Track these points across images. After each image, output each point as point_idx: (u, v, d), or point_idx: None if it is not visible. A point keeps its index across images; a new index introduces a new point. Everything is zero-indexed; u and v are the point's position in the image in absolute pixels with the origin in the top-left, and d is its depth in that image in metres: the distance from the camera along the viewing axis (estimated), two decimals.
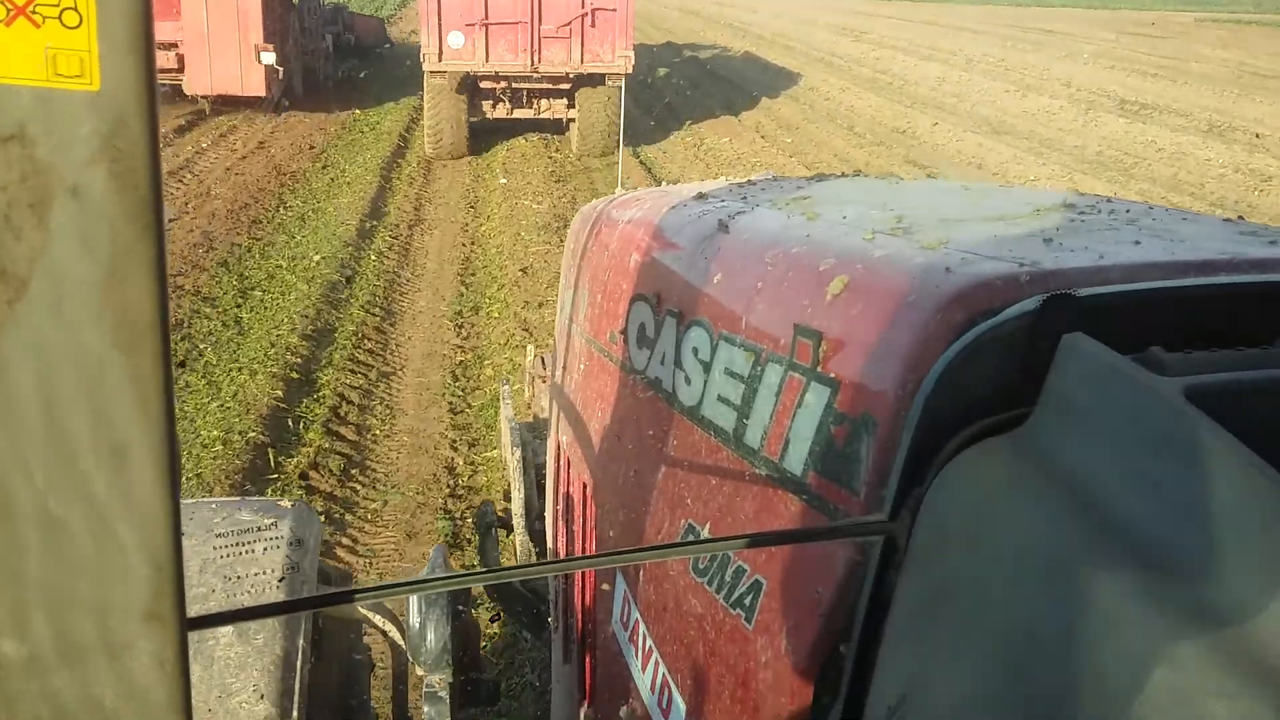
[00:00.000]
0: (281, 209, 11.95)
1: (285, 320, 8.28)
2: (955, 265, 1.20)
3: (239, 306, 8.62)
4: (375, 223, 11.61)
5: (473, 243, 11.34)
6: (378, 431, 6.86)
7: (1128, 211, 1.60)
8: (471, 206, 12.83)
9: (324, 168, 14.18)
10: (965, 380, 1.08)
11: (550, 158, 15.39)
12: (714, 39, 32.98)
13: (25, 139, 0.68)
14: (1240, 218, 1.68)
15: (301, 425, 6.65)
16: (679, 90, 22.13)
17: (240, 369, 7.36)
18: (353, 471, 6.28)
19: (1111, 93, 22.36)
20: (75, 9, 0.67)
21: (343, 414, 6.95)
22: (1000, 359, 1.08)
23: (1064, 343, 1.01)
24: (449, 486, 6.16)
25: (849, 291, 1.28)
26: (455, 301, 9.32)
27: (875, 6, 58.47)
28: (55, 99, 0.68)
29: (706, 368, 1.53)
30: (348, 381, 7.42)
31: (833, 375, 1.24)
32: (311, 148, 15.38)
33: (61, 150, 0.68)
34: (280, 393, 6.98)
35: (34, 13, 0.67)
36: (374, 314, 8.79)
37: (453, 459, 6.49)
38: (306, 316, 8.35)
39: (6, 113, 0.68)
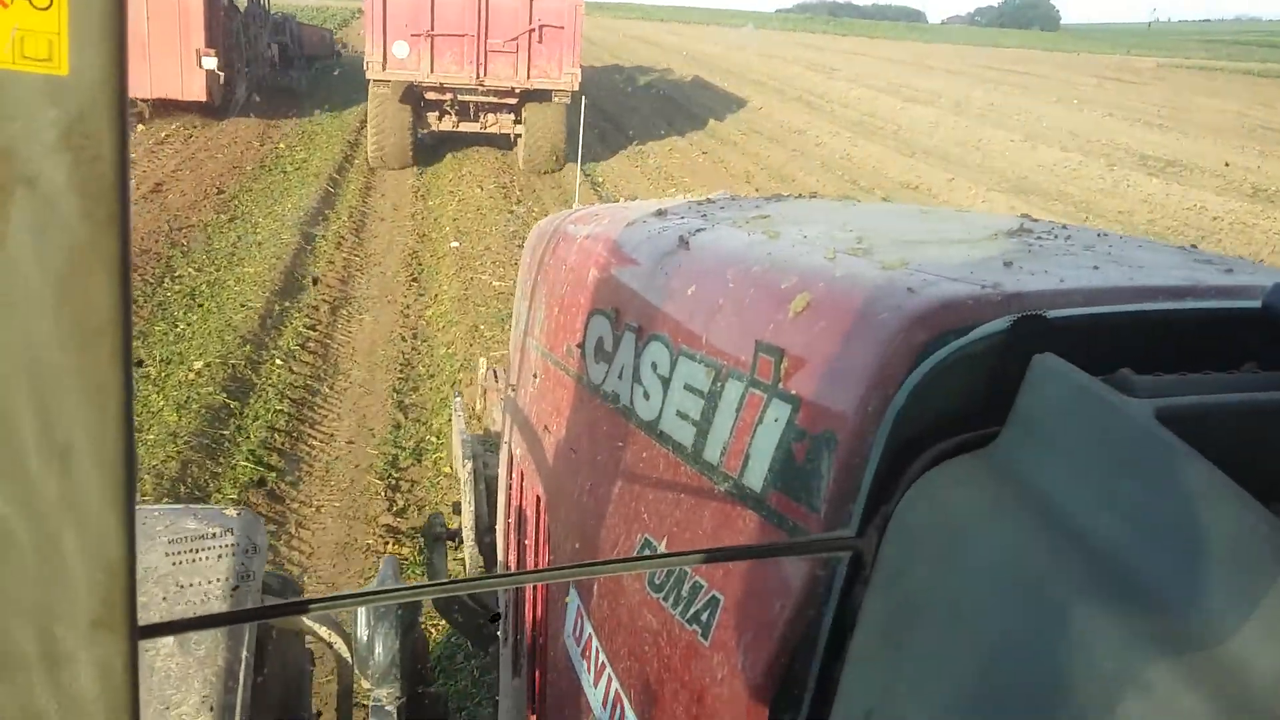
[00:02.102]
0: (168, 280, 9.20)
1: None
2: (917, 285, 1.19)
3: None
4: (287, 303, 8.91)
5: (414, 336, 8.68)
6: None
7: (1082, 239, 1.60)
8: (414, 279, 10.18)
9: (231, 220, 11.45)
10: (933, 398, 1.07)
11: (512, 211, 12.81)
12: (671, 67, 30.77)
13: None
14: (1194, 246, 1.66)
15: None
16: (647, 123, 19.73)
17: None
18: None
19: (1124, 145, 20.45)
20: None
21: None
22: (968, 378, 1.07)
23: (1034, 363, 1.00)
24: None
25: (811, 309, 1.27)
26: (388, 439, 6.65)
27: (829, 41, 57.10)
28: (19, 82, 0.66)
29: (665, 383, 1.52)
30: None
31: (794, 393, 1.23)
32: (219, 192, 12.62)
33: (24, 136, 0.66)
34: None
35: None
36: (268, 464, 6.10)
37: None
38: (164, 474, 5.65)
39: None
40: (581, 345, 1.85)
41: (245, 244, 10.58)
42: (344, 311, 9.13)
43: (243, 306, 8.62)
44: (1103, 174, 17.55)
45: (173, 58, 15.45)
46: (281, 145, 15.97)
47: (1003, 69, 38.56)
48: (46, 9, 0.65)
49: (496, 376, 3.77)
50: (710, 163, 17.05)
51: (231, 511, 2.54)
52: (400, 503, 5.85)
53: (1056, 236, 1.60)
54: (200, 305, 8.63)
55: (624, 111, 21.99)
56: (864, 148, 18.61)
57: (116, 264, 0.68)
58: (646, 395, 1.57)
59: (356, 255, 10.86)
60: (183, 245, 10.28)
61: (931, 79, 31.60)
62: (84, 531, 0.70)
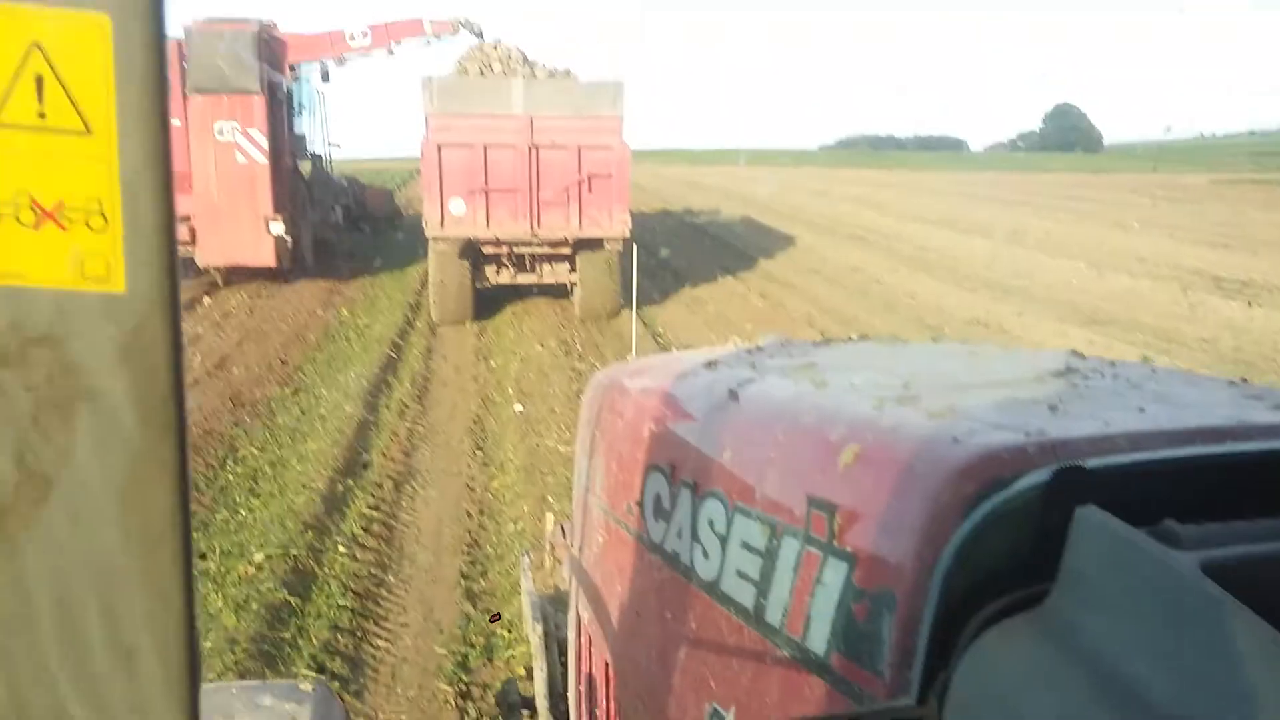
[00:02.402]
0: (230, 462, 9.05)
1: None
2: (962, 435, 1.19)
3: None
4: (350, 482, 8.68)
5: (481, 512, 8.35)
6: None
7: (1131, 376, 1.60)
8: (479, 447, 9.92)
9: (295, 393, 11.39)
10: (981, 554, 1.07)
11: (574, 369, 12.64)
12: (720, 208, 31.15)
13: (53, 340, 0.70)
14: (1244, 380, 1.62)
15: None
16: (701, 267, 19.72)
17: None
18: None
19: (1193, 267, 19.93)
20: (101, 213, 0.70)
21: None
22: (1014, 532, 1.07)
23: (1077, 517, 0.99)
24: None
25: (860, 462, 1.27)
26: (456, 635, 6.24)
27: (874, 175, 57.92)
28: (82, 301, 0.70)
29: (724, 541, 1.50)
30: None
31: (849, 549, 1.22)
32: (283, 363, 12.65)
33: (87, 351, 0.70)
34: None
35: (62, 217, 0.70)
36: (331, 670, 5.70)
37: None
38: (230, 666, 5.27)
39: (35, 315, 0.70)
40: (640, 503, 1.84)
41: (309, 418, 10.47)
42: (408, 488, 8.86)
43: (304, 488, 8.39)
44: (1177, 299, 17.02)
45: (242, 225, 15.94)
46: (345, 311, 16.13)
47: (1054, 195, 38.53)
48: (102, 231, 0.70)
49: (565, 532, 3.71)
50: (769, 306, 16.87)
51: (307, 686, 2.54)
52: (473, 713, 5.39)
53: (1104, 375, 1.59)
54: (262, 490, 8.42)
55: (677, 255, 22.10)
56: (925, 284, 18.34)
57: (175, 470, 0.72)
58: (706, 554, 1.55)
59: (420, 424, 10.67)
60: (246, 423, 10.18)
61: (983, 209, 31.57)
62: None
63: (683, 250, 23.45)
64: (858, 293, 17.76)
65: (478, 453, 9.74)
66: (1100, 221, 27.95)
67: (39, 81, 0.69)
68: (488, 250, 15.08)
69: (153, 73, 0.71)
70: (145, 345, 0.69)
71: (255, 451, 9.40)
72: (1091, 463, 1.08)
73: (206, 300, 16.44)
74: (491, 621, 6.74)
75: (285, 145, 17.27)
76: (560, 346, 13.64)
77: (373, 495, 8.48)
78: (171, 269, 0.71)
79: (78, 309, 0.69)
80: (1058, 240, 23.98)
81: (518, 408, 11.03)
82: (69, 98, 0.70)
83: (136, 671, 0.71)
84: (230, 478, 8.67)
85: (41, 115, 0.69)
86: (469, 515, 8.26)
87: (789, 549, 1.32)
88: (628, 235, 14.27)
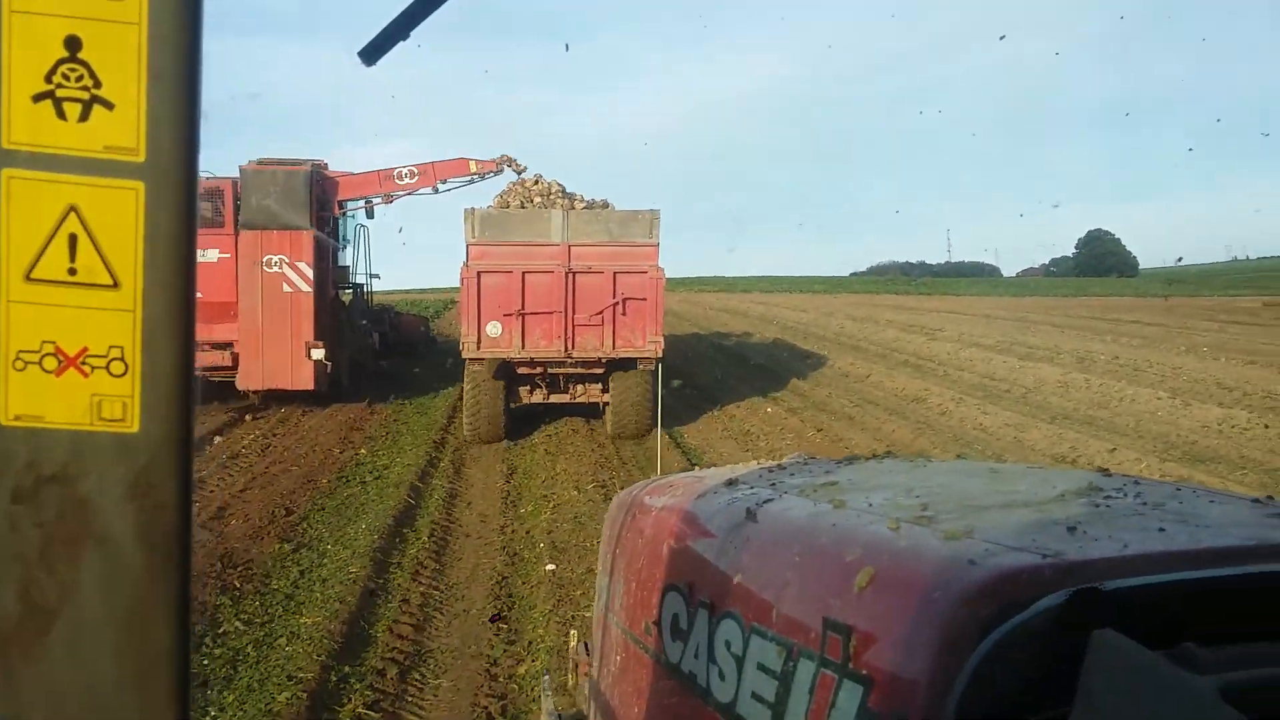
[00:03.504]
0: (210, 640, 7.54)
1: None
2: (978, 557, 1.18)
3: None
4: (347, 669, 7.13)
5: (504, 711, 6.73)
6: None
7: (1153, 495, 1.58)
8: (503, 618, 8.35)
9: (296, 549, 9.94)
10: (997, 677, 1.05)
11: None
12: (764, 335, 29.91)
13: (66, 479, 0.73)
14: (1270, 498, 1.59)
15: None
16: (746, 394, 18.28)
17: None
18: None
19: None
20: (122, 359, 0.74)
21: None
22: (1030, 655, 1.06)
23: (1094, 640, 0.99)
24: None
25: (875, 584, 1.26)
26: None
27: (913, 301, 56.84)
28: (95, 441, 0.73)
29: (739, 662, 1.49)
30: None
31: (864, 672, 1.20)
32: (288, 513, 11.23)
33: (97, 489, 0.73)
34: None
35: (84, 363, 0.74)
36: None
37: None
38: None
39: (51, 455, 0.73)
40: (658, 622, 1.83)
41: (307, 582, 8.99)
42: (416, 675, 7.28)
43: (289, 680, 6.83)
44: (1270, 428, 15.29)
45: (285, 350, 16.39)
46: (363, 451, 14.81)
47: (1108, 319, 37.00)
48: (122, 375, 0.74)
49: (588, 649, 3.59)
50: (826, 440, 15.34)
51: None
52: None
53: (1127, 494, 1.58)
54: (240, 680, 6.88)
55: (719, 385, 20.74)
56: (995, 415, 16.76)
57: (176, 606, 0.74)
58: (722, 675, 1.54)
59: (435, 588, 9.14)
60: (234, 589, 8.71)
61: (1039, 334, 30.09)
62: None
63: (727, 378, 22.10)
64: (923, 425, 16.20)
65: (502, 628, 8.16)
66: (1167, 347, 26.31)
67: (72, 241, 0.75)
68: (522, 371, 15.31)
69: (181, 232, 0.76)
70: (154, 482, 0.73)
71: (240, 626, 7.90)
72: (1108, 585, 1.07)
73: (217, 440, 15.21)
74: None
75: (330, 276, 18.05)
76: (598, 490, 12.13)
77: (373, 688, 6.91)
78: (187, 409, 0.75)
79: (91, 448, 0.73)
80: (1129, 366, 22.38)
81: (550, 567, 9.48)
82: (99, 254, 0.75)
83: None
84: (206, 663, 7.15)
85: (72, 271, 0.75)
86: (488, 716, 6.65)
87: (805, 671, 1.30)
88: (660, 355, 14.63)
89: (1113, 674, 0.94)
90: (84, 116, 0.75)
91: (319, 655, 7.24)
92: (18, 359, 0.74)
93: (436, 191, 18.18)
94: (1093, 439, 14.69)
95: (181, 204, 0.76)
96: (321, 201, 17.24)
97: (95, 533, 0.72)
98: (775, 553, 1.52)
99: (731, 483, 2.03)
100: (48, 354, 0.74)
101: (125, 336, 0.74)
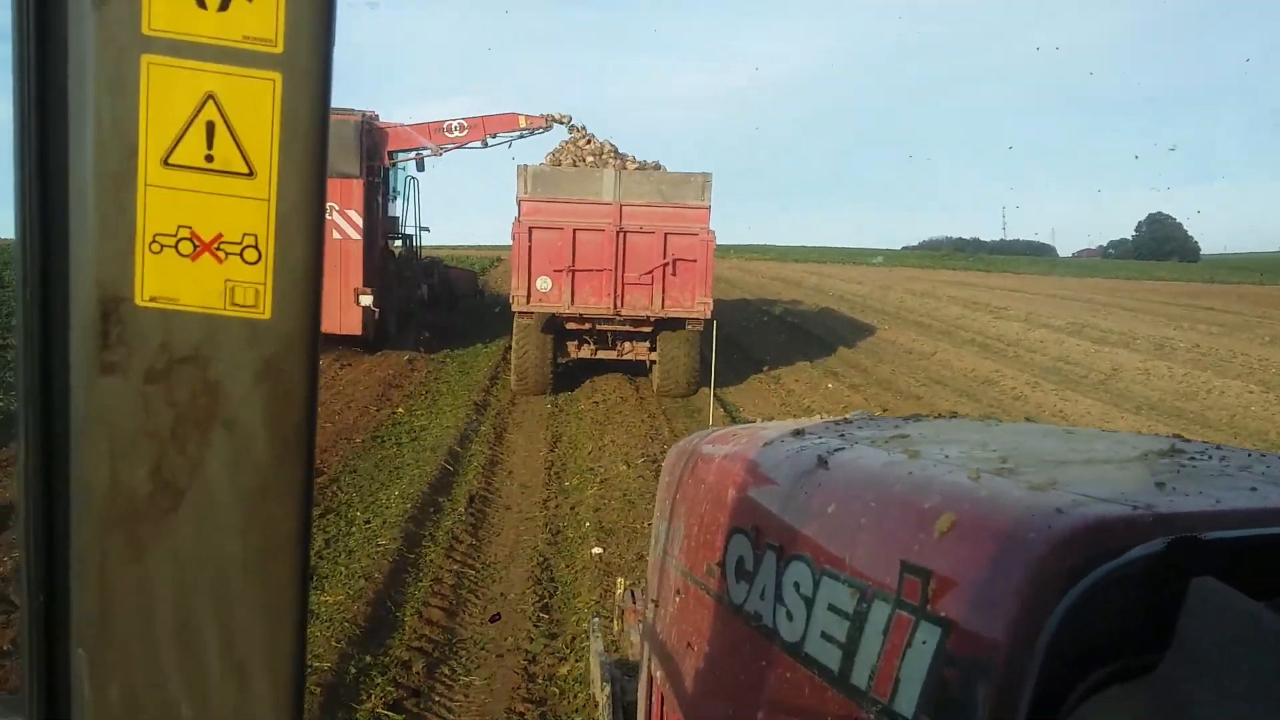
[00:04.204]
0: None
1: None
2: (1066, 506, 1.17)
3: None
4: (368, 658, 6.33)
5: (541, 718, 5.89)
6: None
7: (1238, 460, 1.56)
8: (544, 606, 7.51)
9: (323, 515, 9.17)
10: (1087, 623, 1.04)
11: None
12: (827, 305, 28.76)
13: (199, 360, 0.75)
14: None
15: None
16: (798, 372, 17.26)
17: None
18: None
19: None
20: (256, 246, 0.76)
21: None
22: (1122, 601, 1.05)
23: (1194, 587, 0.97)
24: None
25: (957, 530, 1.25)
26: None
27: (974, 278, 55.15)
28: (228, 326, 0.75)
29: (809, 603, 1.49)
30: None
31: (943, 615, 1.19)
32: (318, 474, 10.43)
33: (229, 372, 0.75)
34: None
35: (219, 249, 0.76)
36: None
37: None
38: None
39: (184, 337, 0.76)
40: (722, 564, 1.84)
41: (332, 553, 8.21)
42: (445, 670, 6.46)
43: (313, 658, 6.03)
44: None
45: (333, 296, 16.27)
46: (400, 410, 14.05)
47: (1179, 304, 35.34)
48: (255, 263, 0.76)
49: (634, 598, 3.60)
50: None
51: None
52: None
53: (1210, 457, 1.56)
54: None
55: (778, 360, 19.73)
56: (1076, 403, 15.60)
57: (300, 492, 0.77)
58: (790, 616, 1.54)
59: (471, 567, 8.32)
60: None
61: (1110, 317, 28.65)
62: None
63: (784, 350, 21.08)
64: (998, 410, 15.08)
65: (542, 617, 7.31)
66: (1249, 337, 24.80)
67: (210, 128, 0.77)
68: (570, 326, 15.53)
69: (314, 125, 0.78)
70: (283, 371, 0.74)
71: None
72: (1206, 535, 1.05)
73: None
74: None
75: (379, 226, 18.07)
76: (649, 466, 11.23)
77: (396, 683, 6.10)
78: (315, 302, 0.78)
79: (224, 334, 0.75)
80: (1212, 356, 21.01)
81: (596, 550, 8.62)
82: (236, 143, 0.77)
83: (247, 682, 0.73)
84: None
85: (209, 158, 0.77)
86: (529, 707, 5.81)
87: (879, 613, 1.30)
88: (709, 316, 14.60)
89: (1213, 622, 0.92)
90: (223, 6, 0.77)
91: (338, 641, 6.45)
92: (154, 242, 0.76)
93: (486, 145, 18.03)
94: (1185, 434, 13.51)
95: (317, 96, 0.78)
96: (371, 151, 17.20)
97: (225, 416, 0.74)
98: (848, 499, 1.52)
99: (799, 433, 2.03)
100: (183, 238, 0.76)
101: (259, 225, 0.76)
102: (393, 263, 19.70)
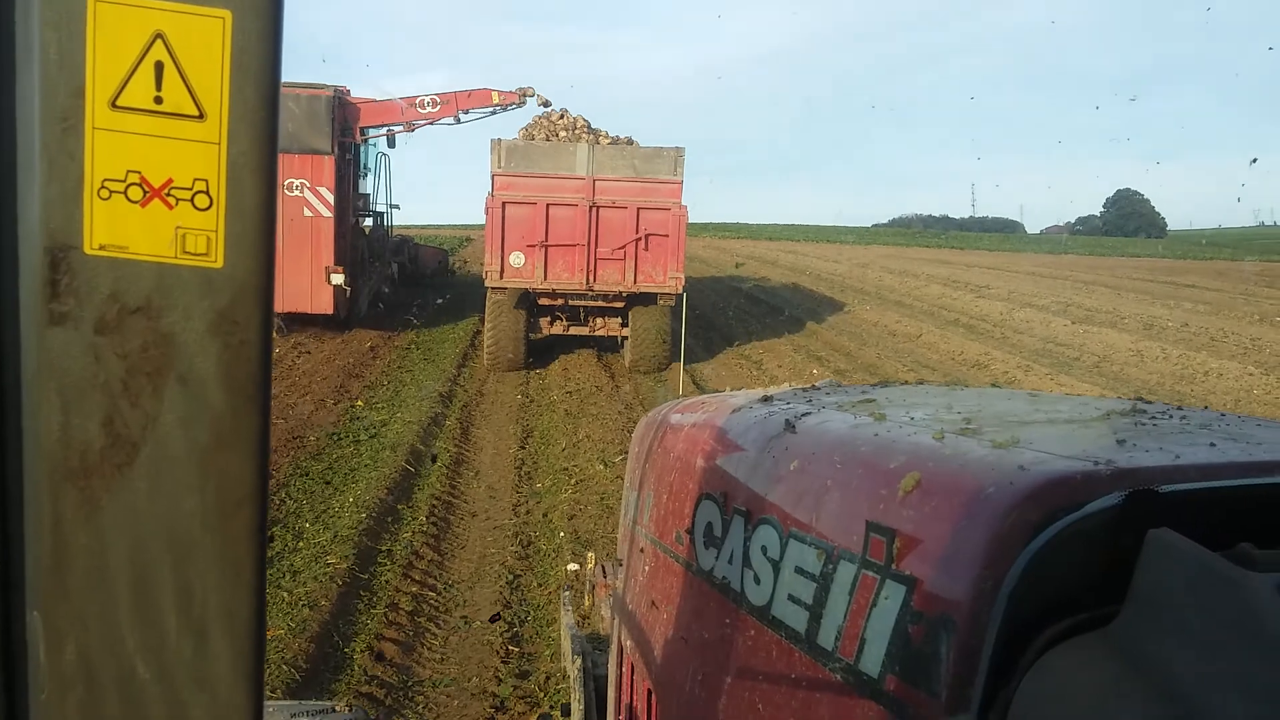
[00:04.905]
0: None
1: None
2: (1028, 463, 1.18)
3: None
4: (310, 695, 5.42)
5: None
6: None
7: (1199, 418, 1.58)
8: (512, 633, 6.63)
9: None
10: (1048, 576, 1.05)
11: None
12: (802, 284, 27.97)
13: (150, 311, 0.73)
14: None
15: None
16: (780, 356, 16.44)
17: None
18: None
19: None
20: (207, 192, 0.73)
21: None
22: (1082, 555, 1.06)
23: (1151, 538, 0.98)
24: None
25: (921, 489, 1.25)
26: None
27: (949, 255, 54.61)
28: (180, 275, 0.73)
29: (776, 566, 1.49)
30: None
31: (908, 573, 1.20)
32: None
33: (182, 322, 0.73)
34: None
35: (169, 195, 0.73)
36: None
37: None
38: None
39: (135, 286, 0.73)
40: (690, 530, 1.85)
41: (275, 573, 7.28)
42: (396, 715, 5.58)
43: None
44: None
45: (304, 274, 16.27)
46: (360, 403, 13.08)
47: (1160, 281, 34.90)
48: (207, 209, 0.73)
49: (605, 572, 3.52)
50: None
51: (341, 707, 2.69)
52: None
53: (1171, 416, 1.58)
54: None
55: (759, 347, 18.90)
56: (1071, 386, 14.89)
57: (256, 444, 0.74)
58: (757, 579, 1.54)
59: (431, 589, 7.43)
60: None
61: (1093, 295, 28.06)
62: (214, 703, 0.72)
63: (763, 333, 20.28)
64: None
65: (511, 651, 6.44)
66: (1237, 315, 24.29)
67: (159, 68, 0.73)
68: (543, 302, 15.44)
69: (266, 65, 0.74)
70: (237, 320, 0.72)
71: None
72: (1164, 488, 1.08)
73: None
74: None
75: (350, 203, 17.80)
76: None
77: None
78: (268, 250, 0.73)
79: (176, 282, 0.72)
80: (1203, 335, 20.44)
81: (573, 566, 7.74)
82: (185, 84, 0.73)
83: (205, 642, 0.72)
84: None
85: (158, 100, 0.73)
86: None
87: (845, 573, 1.31)
88: (680, 291, 14.65)
89: (1168, 572, 0.94)
90: None
91: (273, 690, 5.54)
92: (103, 188, 0.74)
93: (458, 121, 17.66)
94: None
95: (268, 34, 0.74)
96: (343, 127, 16.97)
97: (178, 368, 0.72)
98: (815, 461, 1.50)
99: (766, 399, 2.03)
100: (133, 183, 0.74)
101: (210, 169, 0.74)
102: (363, 240, 19.53)
